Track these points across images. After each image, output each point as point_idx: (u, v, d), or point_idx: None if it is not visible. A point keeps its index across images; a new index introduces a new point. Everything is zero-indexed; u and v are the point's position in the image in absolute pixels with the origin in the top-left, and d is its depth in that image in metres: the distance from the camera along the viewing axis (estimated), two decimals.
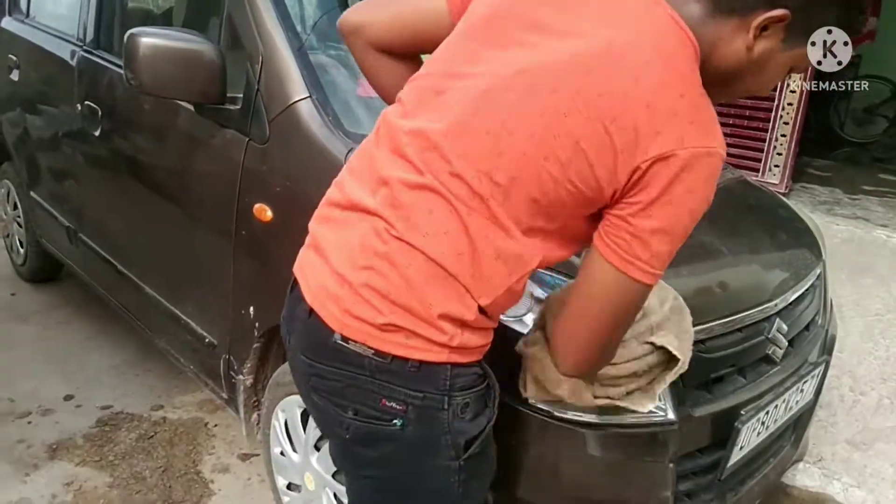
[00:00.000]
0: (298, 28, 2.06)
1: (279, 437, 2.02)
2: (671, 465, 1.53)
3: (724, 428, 1.65)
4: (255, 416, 2.19)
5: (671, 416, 1.52)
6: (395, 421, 1.12)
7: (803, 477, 2.59)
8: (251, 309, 2.01)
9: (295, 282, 1.22)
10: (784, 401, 1.84)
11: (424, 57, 1.25)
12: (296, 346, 1.22)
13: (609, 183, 0.99)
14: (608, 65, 0.98)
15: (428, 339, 1.07)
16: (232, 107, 2.02)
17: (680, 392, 1.55)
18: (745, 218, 2.09)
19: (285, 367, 1.96)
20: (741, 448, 1.71)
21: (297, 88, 1.90)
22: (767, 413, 1.77)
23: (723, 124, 1.14)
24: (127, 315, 2.78)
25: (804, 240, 2.13)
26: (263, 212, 1.91)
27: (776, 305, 1.81)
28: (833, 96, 6.77)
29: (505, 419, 1.44)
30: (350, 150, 1.77)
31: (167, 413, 2.72)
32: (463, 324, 1.08)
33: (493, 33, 1.08)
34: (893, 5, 6.17)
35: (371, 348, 1.08)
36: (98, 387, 2.85)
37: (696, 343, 1.59)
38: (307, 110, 1.87)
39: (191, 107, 2.11)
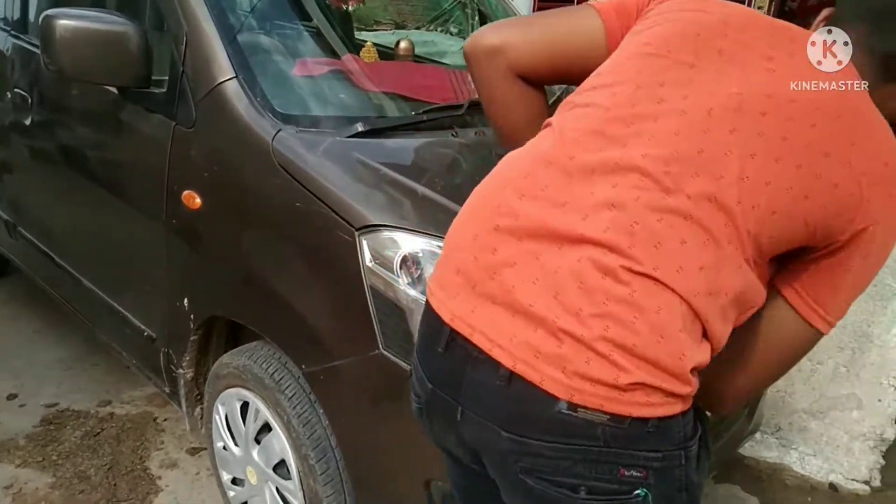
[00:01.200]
0: (225, 6, 1.97)
1: (220, 431, 1.97)
2: None
3: None
4: (198, 409, 2.13)
5: None
6: (636, 492, 0.92)
7: (760, 448, 2.60)
8: (185, 300, 1.94)
9: (452, 333, 0.97)
10: None
11: None
12: (483, 420, 0.96)
13: (839, 233, 0.92)
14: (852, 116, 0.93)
15: (671, 393, 0.89)
16: (157, 90, 1.94)
17: None
18: None
19: (224, 358, 1.90)
20: None
21: (223, 69, 1.82)
22: None
23: None
24: (69, 309, 2.69)
25: None
26: (192, 199, 1.84)
27: None
28: None
29: None
30: (279, 132, 1.70)
31: (115, 409, 2.65)
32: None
33: (697, 52, 0.98)
34: None
35: (607, 413, 0.88)
36: (44, 384, 2.76)
37: None
38: (233, 91, 1.79)
39: (116, 91, 2.02)
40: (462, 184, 1.71)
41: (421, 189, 1.59)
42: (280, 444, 1.73)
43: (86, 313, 2.58)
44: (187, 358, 2.04)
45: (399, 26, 3.65)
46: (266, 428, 1.79)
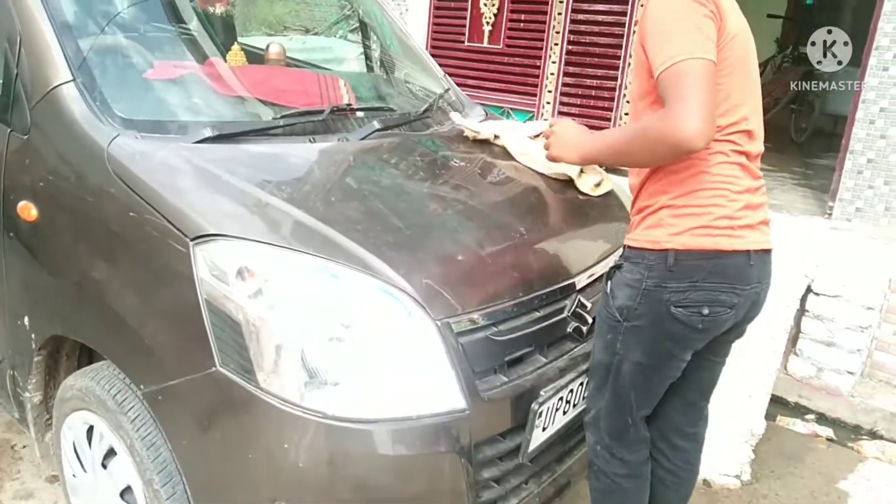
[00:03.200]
0: (64, 5, 1.85)
1: (68, 457, 1.84)
2: (463, 455, 1.47)
3: (523, 410, 1.61)
4: (48, 435, 1.99)
5: (461, 403, 1.47)
6: None
7: None
8: (26, 319, 1.81)
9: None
10: None
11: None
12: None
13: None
14: None
15: None
16: None
17: (470, 378, 1.49)
18: (546, 195, 2.07)
19: (69, 381, 1.78)
20: (544, 429, 1.68)
21: (59, 71, 1.71)
22: (572, 391, 1.75)
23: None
24: None
25: (612, 213, 2.13)
26: (28, 210, 1.72)
27: (577, 282, 1.80)
28: None
29: (275, 421, 1.36)
30: (116, 137, 1.61)
31: None
32: None
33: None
34: None
35: None
36: None
37: (487, 326, 1.56)
38: (70, 95, 1.69)
39: None
40: (311, 191, 1.67)
41: (265, 196, 1.53)
42: (125, 469, 1.63)
43: None
44: (33, 380, 1.90)
45: (311, 32, 3.58)
46: (112, 452, 1.69)
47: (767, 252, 1.57)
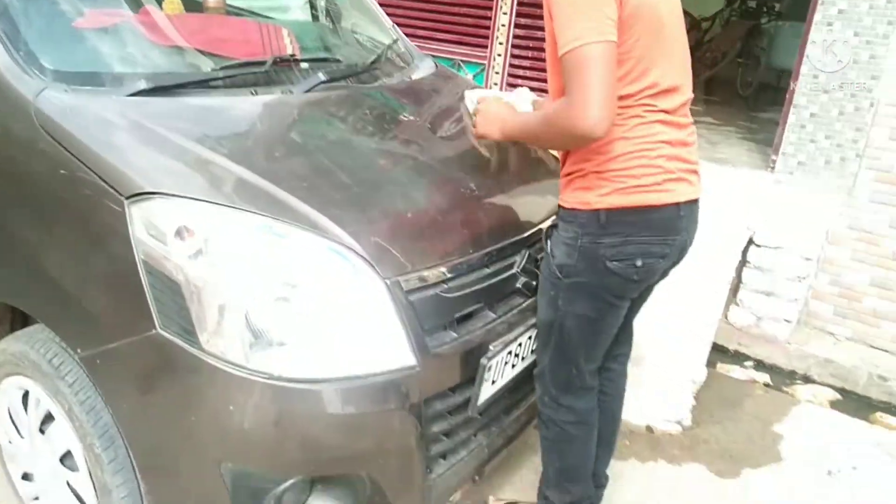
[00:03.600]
0: None
1: (3, 423, 1.79)
2: (413, 411, 1.48)
3: (473, 365, 1.63)
4: None
5: (410, 360, 1.47)
6: None
7: None
8: None
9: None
10: None
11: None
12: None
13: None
14: None
15: None
16: None
17: (420, 335, 1.49)
18: (497, 150, 2.06)
19: (1, 345, 1.72)
20: (493, 383, 1.70)
21: None
22: (520, 345, 1.77)
23: None
24: None
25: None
26: None
27: (527, 238, 1.80)
28: None
29: (219, 383, 1.34)
30: (44, 90, 1.52)
31: None
32: None
33: None
34: None
35: None
36: None
37: (437, 283, 1.55)
38: None
39: None
40: (254, 147, 1.61)
41: (204, 152, 1.48)
42: (64, 434, 1.59)
43: None
44: None
45: None
46: (50, 418, 1.64)
47: (696, 201, 1.64)
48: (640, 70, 1.50)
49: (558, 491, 1.90)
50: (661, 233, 1.58)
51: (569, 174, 1.62)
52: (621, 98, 1.48)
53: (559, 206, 1.66)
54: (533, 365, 1.83)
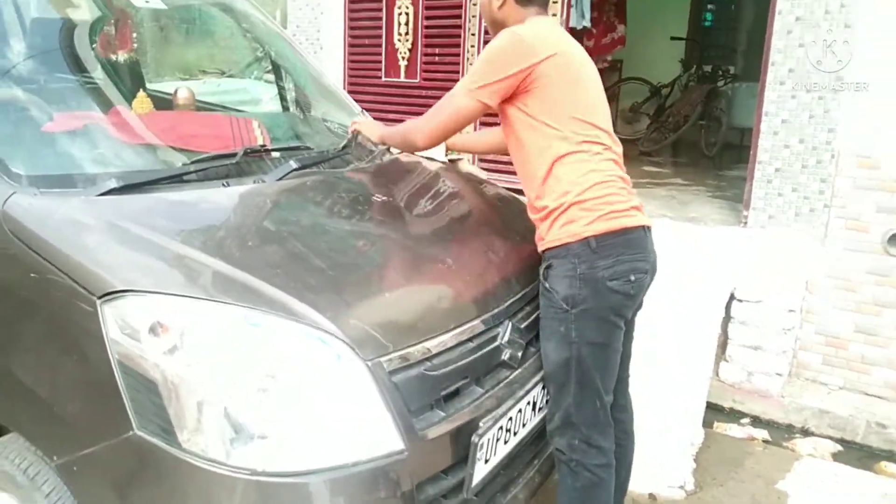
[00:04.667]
0: None
1: None
2: (405, 499, 1.42)
3: (464, 444, 1.58)
4: None
5: (398, 444, 1.42)
6: None
7: None
8: None
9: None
10: (529, 402, 1.82)
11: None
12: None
13: None
14: None
15: None
16: None
17: (406, 417, 1.45)
18: (472, 224, 2.07)
19: None
20: (486, 461, 1.64)
21: None
22: (511, 419, 1.73)
23: None
24: None
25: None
26: None
27: (508, 309, 1.79)
28: None
29: (201, 483, 1.28)
30: (12, 195, 1.51)
31: None
32: None
33: None
34: (636, 16, 6.80)
35: None
36: None
37: (420, 361, 1.52)
38: None
39: None
40: (226, 237, 1.61)
41: (176, 246, 1.47)
42: None
43: None
44: None
45: (225, 74, 3.50)
46: None
47: (650, 228, 1.88)
48: (585, 110, 1.81)
49: None
50: (641, 250, 1.81)
51: (550, 213, 1.79)
52: (587, 139, 1.79)
53: (544, 248, 1.83)
54: (534, 435, 1.81)
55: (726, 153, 6.19)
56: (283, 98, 2.85)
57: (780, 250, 3.49)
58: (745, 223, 3.68)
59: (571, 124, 1.77)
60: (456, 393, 1.62)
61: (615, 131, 1.94)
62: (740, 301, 3.35)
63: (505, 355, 1.75)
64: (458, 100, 1.80)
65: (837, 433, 3.15)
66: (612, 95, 7.50)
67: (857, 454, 3.03)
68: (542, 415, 1.91)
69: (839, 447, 3.06)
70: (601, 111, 1.85)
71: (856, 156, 3.31)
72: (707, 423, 3.00)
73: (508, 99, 1.80)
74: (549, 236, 1.80)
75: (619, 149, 1.88)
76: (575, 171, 1.77)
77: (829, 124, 3.35)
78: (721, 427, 3.17)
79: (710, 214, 4.13)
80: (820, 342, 3.47)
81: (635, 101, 7.43)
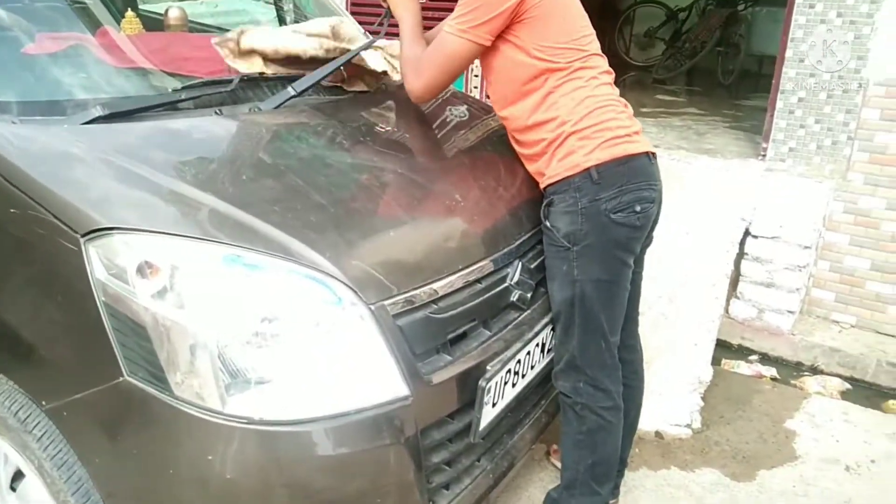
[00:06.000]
0: None
1: None
2: (409, 445, 1.37)
3: (471, 388, 1.52)
4: None
5: (403, 390, 1.36)
6: None
7: None
8: None
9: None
10: (538, 344, 1.76)
11: None
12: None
13: None
14: None
15: None
16: None
17: (411, 361, 1.38)
18: (478, 155, 1.96)
19: None
20: (494, 405, 1.59)
21: None
22: (519, 361, 1.67)
23: None
24: None
25: None
26: None
27: (518, 248, 1.70)
28: (616, 22, 7.03)
29: (195, 432, 1.23)
30: None
31: None
32: None
33: None
34: None
35: None
36: None
37: (428, 303, 1.45)
38: None
39: None
40: (219, 171, 1.51)
41: (165, 180, 1.37)
42: (36, 490, 1.47)
43: None
44: None
45: None
46: (21, 474, 1.52)
47: (655, 155, 1.79)
48: (578, 35, 1.72)
49: (587, 494, 1.85)
50: (646, 178, 1.71)
51: (548, 146, 1.70)
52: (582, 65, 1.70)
53: (546, 184, 1.74)
54: (542, 376, 1.76)
55: (743, 82, 5.96)
56: (282, 20, 2.68)
57: (798, 184, 3.36)
58: (764, 156, 3.54)
59: (565, 52, 1.68)
60: (463, 336, 1.56)
61: (629, 57, 1.84)
62: (755, 237, 3.25)
63: (514, 296, 1.67)
64: (452, 46, 1.68)
65: (847, 371, 3.11)
66: (627, 20, 7.20)
67: (866, 393, 2.99)
68: (550, 356, 1.86)
69: (848, 385, 3.02)
70: (589, 33, 1.77)
71: (885, 86, 3.14)
72: (715, 361, 2.95)
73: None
74: (549, 171, 1.72)
75: (612, 74, 1.81)
76: (571, 100, 1.68)
77: (860, 51, 3.17)
78: (729, 364, 3.13)
79: (726, 146, 3.98)
80: (834, 279, 3.38)
81: (651, 25, 7.11)
